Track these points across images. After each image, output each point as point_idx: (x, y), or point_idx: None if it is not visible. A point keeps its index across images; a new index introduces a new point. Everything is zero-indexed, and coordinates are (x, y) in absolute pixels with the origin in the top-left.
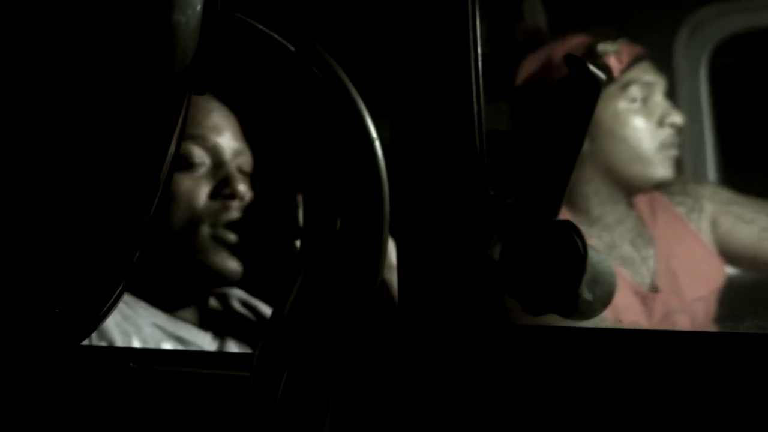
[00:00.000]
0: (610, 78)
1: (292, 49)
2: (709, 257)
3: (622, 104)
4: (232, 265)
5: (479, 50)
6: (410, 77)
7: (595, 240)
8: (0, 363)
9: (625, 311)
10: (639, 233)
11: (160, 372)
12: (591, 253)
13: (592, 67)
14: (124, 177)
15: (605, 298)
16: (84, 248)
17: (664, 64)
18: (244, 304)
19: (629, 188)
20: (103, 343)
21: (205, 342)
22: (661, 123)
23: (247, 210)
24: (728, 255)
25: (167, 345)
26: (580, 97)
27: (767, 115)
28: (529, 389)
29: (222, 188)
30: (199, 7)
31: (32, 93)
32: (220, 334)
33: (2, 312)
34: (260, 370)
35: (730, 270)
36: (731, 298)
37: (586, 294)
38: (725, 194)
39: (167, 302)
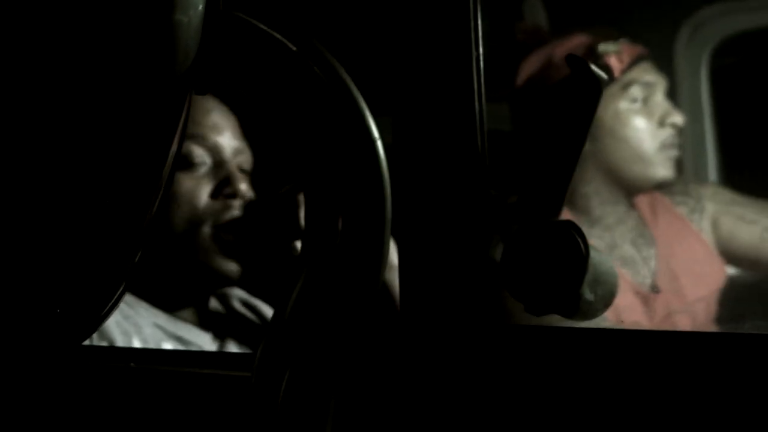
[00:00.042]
0: (612, 78)
1: (294, 48)
2: (710, 258)
3: (623, 104)
4: (233, 265)
5: (481, 50)
6: (412, 77)
7: (595, 240)
8: (1, 363)
9: (626, 312)
10: (640, 233)
11: (160, 372)
12: (593, 254)
13: (594, 67)
14: (125, 177)
15: (607, 299)
16: (85, 248)
17: (664, 64)
18: (245, 304)
19: (630, 188)
20: (104, 343)
21: (206, 342)
22: (661, 123)
23: (249, 210)
24: (729, 255)
25: (168, 345)
26: (582, 98)
27: None
28: (531, 389)
29: (223, 187)
30: (200, 7)
31: (34, 93)
32: (220, 334)
33: (3, 312)
34: (262, 371)
35: (732, 270)
36: (732, 298)
37: (588, 294)
38: (727, 194)
39: (168, 302)
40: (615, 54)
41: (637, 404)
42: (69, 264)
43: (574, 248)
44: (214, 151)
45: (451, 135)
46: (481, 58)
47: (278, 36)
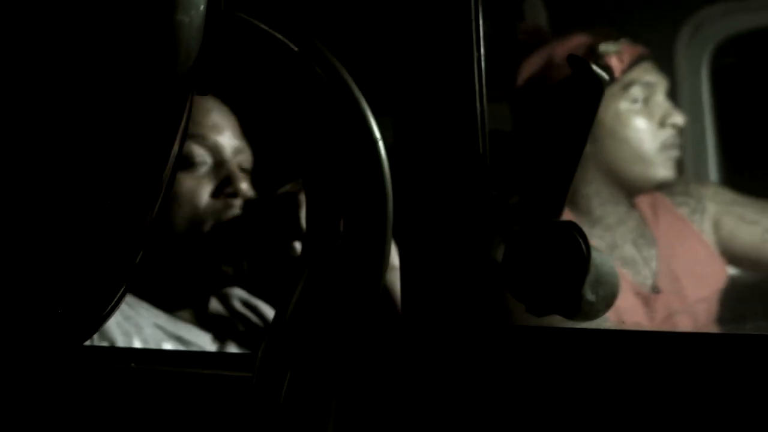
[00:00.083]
0: (612, 78)
1: (295, 49)
2: (711, 258)
3: (624, 105)
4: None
5: (482, 50)
6: (413, 77)
7: (596, 241)
8: (1, 363)
9: (627, 312)
10: (641, 234)
11: (161, 372)
12: (594, 254)
13: (595, 68)
14: (127, 177)
15: (608, 299)
16: (86, 249)
17: (665, 64)
18: (246, 304)
19: (631, 189)
20: (105, 344)
21: (206, 342)
22: (662, 123)
23: (249, 209)
24: (731, 256)
25: (168, 345)
26: (583, 98)
27: None
28: (532, 390)
29: (224, 187)
30: (202, 7)
31: (35, 93)
32: (221, 335)
33: (4, 312)
34: (263, 371)
35: (733, 271)
36: (733, 299)
37: (589, 295)
38: (727, 195)
39: (168, 302)
40: (616, 54)
41: (639, 405)
42: (70, 264)
43: (575, 249)
44: (215, 151)
45: (453, 135)
46: (483, 58)
47: (280, 36)
